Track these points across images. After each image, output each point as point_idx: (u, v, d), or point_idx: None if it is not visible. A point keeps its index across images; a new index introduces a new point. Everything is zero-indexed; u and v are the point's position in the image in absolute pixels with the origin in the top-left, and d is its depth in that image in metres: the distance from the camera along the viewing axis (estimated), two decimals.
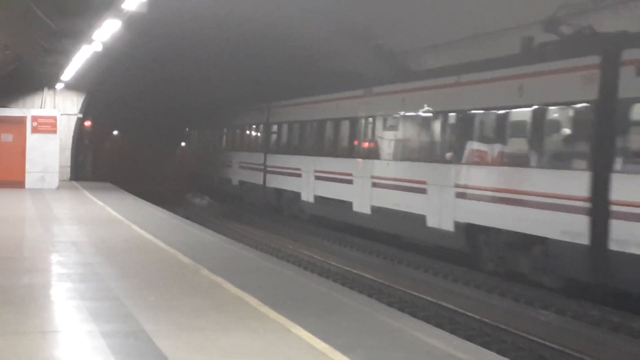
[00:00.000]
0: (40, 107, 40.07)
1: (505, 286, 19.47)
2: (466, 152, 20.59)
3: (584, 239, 16.27)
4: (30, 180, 36.21)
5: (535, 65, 18.19)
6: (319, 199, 27.89)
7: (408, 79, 24.41)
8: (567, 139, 17.59)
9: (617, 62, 15.83)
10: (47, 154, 36.25)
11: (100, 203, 30.20)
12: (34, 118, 36.40)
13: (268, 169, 35.55)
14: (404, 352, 9.70)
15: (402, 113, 23.92)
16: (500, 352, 13.20)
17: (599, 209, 15.87)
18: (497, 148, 19.50)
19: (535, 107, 17.98)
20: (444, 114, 21.71)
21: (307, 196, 30.27)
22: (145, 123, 60.97)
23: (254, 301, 12.35)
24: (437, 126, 22.18)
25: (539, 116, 17.86)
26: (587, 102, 16.53)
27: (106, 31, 20.75)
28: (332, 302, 12.93)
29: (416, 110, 23.21)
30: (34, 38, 24.42)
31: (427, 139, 22.66)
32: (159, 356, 9.05)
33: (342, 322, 11.21)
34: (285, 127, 34.18)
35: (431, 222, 21.80)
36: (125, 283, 13.80)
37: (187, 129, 58.79)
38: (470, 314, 17.04)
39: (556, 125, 17.86)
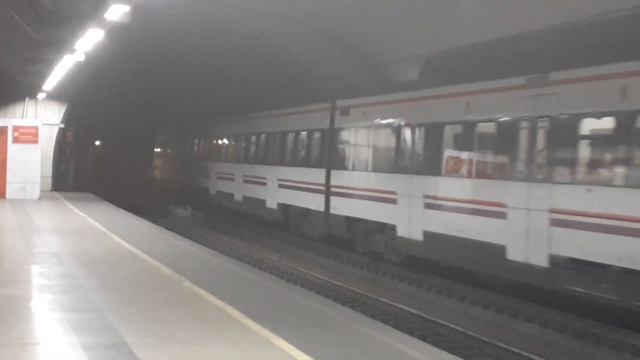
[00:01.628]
0: (22, 117, 39.94)
1: (489, 298, 19.53)
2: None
3: (322, 208, 28.13)
4: (11, 190, 36.07)
5: (306, 107, 30.74)
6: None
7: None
8: (316, 149, 29.52)
9: (334, 107, 28.00)
10: (28, 164, 36.12)
11: (82, 214, 30.11)
12: (15, 128, 36.27)
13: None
14: None
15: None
16: None
17: (328, 190, 27.79)
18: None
19: (305, 130, 30.24)
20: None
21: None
22: (127, 133, 60.94)
23: (236, 313, 12.35)
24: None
25: (309, 135, 30.16)
26: (323, 129, 28.55)
27: (89, 41, 20.72)
28: (314, 314, 12.94)
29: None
30: (16, 47, 24.41)
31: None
32: None
33: (325, 334, 11.23)
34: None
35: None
36: (106, 294, 13.77)
37: (169, 139, 58.88)
38: (453, 326, 17.09)
39: (313, 141, 29.77)
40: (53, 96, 39.58)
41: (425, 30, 23.55)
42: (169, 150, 57.93)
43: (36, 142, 36.49)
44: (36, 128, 36.67)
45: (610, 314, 16.73)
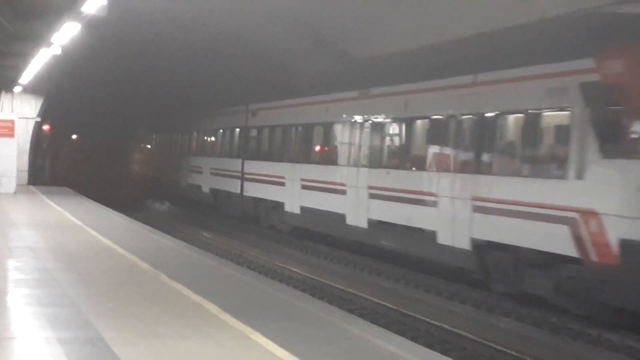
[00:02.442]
0: None
1: (466, 293, 19.60)
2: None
3: (238, 190, 34.49)
4: None
5: (231, 108, 37.70)
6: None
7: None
8: (235, 143, 36.43)
9: (247, 109, 34.87)
10: (4, 158, 35.95)
11: (59, 208, 30.00)
12: None
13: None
14: (364, 358, 9.74)
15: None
16: (460, 359, 13.30)
17: (242, 176, 34.35)
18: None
19: (230, 128, 37.25)
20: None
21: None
22: (105, 127, 60.74)
23: (213, 308, 12.34)
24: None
25: (231, 132, 37.28)
26: (241, 127, 35.65)
27: (65, 34, 20.62)
28: (292, 309, 12.95)
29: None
30: None
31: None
32: None
33: (302, 329, 11.24)
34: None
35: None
36: (83, 289, 13.72)
37: (146, 134, 58.92)
38: (431, 320, 17.13)
39: (234, 137, 36.78)
40: (29, 90, 39.37)
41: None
42: (144, 145, 58.48)
43: (12, 135, 36.34)
44: (12, 122, 36.52)
45: (586, 312, 16.82)
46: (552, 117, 17.10)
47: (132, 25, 28.12)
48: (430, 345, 13.99)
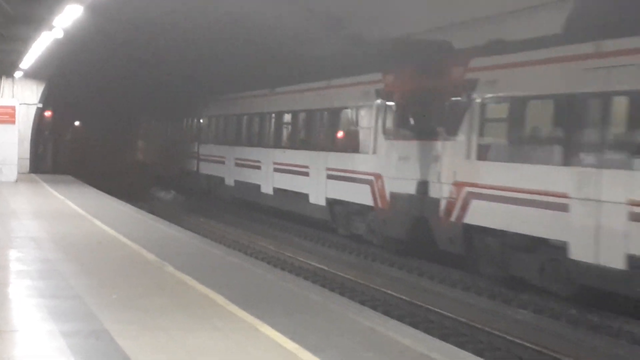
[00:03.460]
0: None
1: (482, 284, 19.58)
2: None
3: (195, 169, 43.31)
4: None
5: (195, 99, 45.62)
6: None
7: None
8: (194, 130, 45.64)
9: (203, 100, 43.74)
10: (4, 145, 35.98)
11: (61, 197, 30.06)
12: None
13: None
14: (376, 352, 9.74)
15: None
16: (476, 352, 13.28)
17: (198, 157, 42.95)
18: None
19: (191, 117, 46.21)
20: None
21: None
22: (109, 114, 60.72)
23: (220, 299, 12.36)
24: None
25: (192, 120, 46.48)
26: (198, 116, 44.61)
27: (67, 17, 20.63)
28: (302, 300, 12.96)
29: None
30: None
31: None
32: (122, 357, 9.04)
33: (313, 321, 11.25)
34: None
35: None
36: (86, 280, 13.76)
37: (152, 120, 59.08)
38: (445, 312, 17.14)
39: (194, 124, 45.98)
40: (31, 75, 39.41)
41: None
42: (148, 131, 59.01)
43: (13, 122, 36.38)
44: (13, 108, 36.56)
45: (608, 302, 16.80)
46: (365, 111, 25.32)
47: (137, 7, 28.06)
48: (444, 338, 13.99)
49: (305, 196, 28.93)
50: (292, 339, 10.00)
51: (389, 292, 19.35)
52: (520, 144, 18.27)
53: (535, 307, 17.53)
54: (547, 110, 17.68)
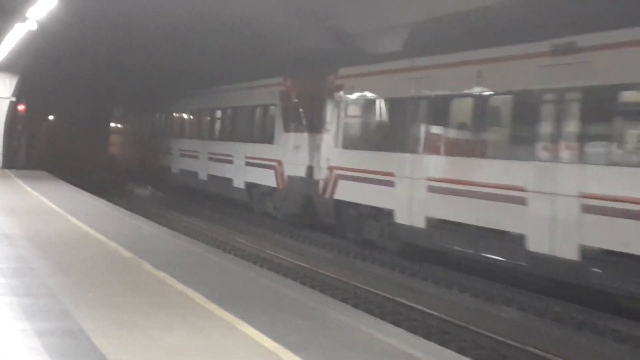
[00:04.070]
0: None
1: (465, 282, 19.63)
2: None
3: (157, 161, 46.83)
4: None
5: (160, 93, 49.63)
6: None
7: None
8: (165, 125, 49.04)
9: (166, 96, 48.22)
10: None
11: (35, 193, 29.94)
12: None
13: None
14: (358, 350, 9.74)
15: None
16: (460, 350, 13.33)
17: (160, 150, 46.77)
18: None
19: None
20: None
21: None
22: (84, 108, 60.50)
23: (199, 297, 12.34)
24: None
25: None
26: (153, 111, 50.96)
27: (41, 8, 20.53)
28: (282, 298, 12.96)
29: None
30: None
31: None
32: (98, 356, 9.00)
33: (293, 319, 11.24)
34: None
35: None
36: (61, 278, 13.70)
37: (127, 115, 59.02)
38: (428, 310, 17.17)
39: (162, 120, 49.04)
40: (3, 67, 39.21)
41: None
42: (125, 126, 59.14)
43: None
44: None
45: (592, 299, 16.88)
46: (272, 109, 30.86)
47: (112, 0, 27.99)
48: (427, 336, 14.03)
49: (230, 181, 34.56)
50: (273, 337, 9.99)
51: (371, 289, 19.37)
52: (369, 136, 23.82)
53: (520, 305, 17.58)
54: (385, 110, 23.19)
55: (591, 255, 15.68)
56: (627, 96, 15.32)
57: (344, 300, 17.53)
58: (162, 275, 14.25)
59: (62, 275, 14.07)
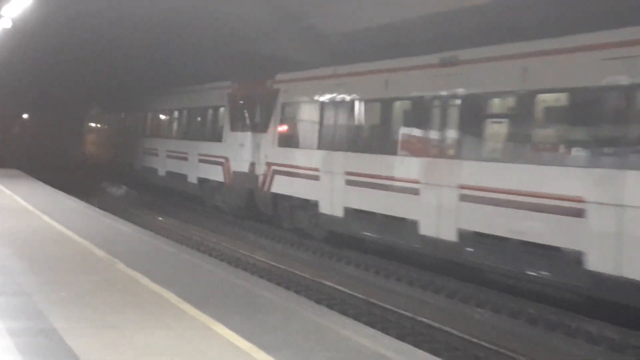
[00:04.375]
0: None
1: (439, 282, 19.67)
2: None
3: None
4: None
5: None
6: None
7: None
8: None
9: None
10: None
11: (8, 191, 29.79)
12: None
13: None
14: (332, 351, 9.76)
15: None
16: (433, 351, 13.34)
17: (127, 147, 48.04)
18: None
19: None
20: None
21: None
22: (58, 107, 60.26)
23: (172, 297, 12.32)
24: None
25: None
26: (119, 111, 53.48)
27: (16, 6, 20.43)
28: (256, 298, 12.95)
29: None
30: None
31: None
32: (71, 356, 8.98)
33: (267, 319, 11.24)
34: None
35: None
36: (34, 277, 13.65)
37: (99, 114, 58.89)
38: (402, 311, 17.19)
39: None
40: None
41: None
42: (100, 125, 58.98)
43: None
44: None
45: (566, 301, 16.97)
46: (221, 110, 33.25)
47: None
48: (401, 337, 14.04)
49: (185, 176, 36.78)
50: (247, 338, 9.99)
51: (346, 290, 19.38)
52: (299, 135, 26.38)
53: (494, 306, 17.63)
54: (311, 112, 25.37)
55: (466, 237, 18.15)
56: (494, 103, 18.11)
57: (318, 301, 17.52)
58: (135, 274, 14.22)
59: (35, 274, 14.02)
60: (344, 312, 15.92)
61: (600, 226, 14.77)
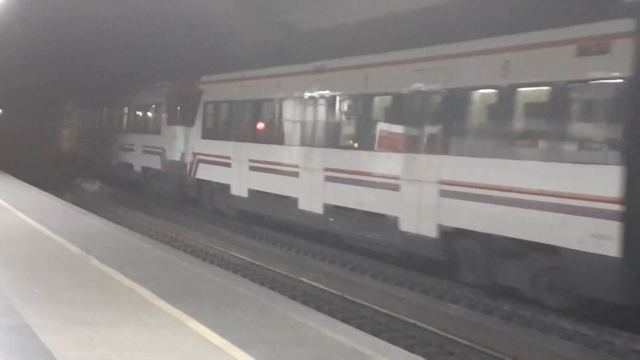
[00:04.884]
0: None
1: (415, 279, 19.72)
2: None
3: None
4: None
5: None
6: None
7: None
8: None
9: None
10: None
11: None
12: None
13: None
14: (307, 347, 9.76)
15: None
16: (408, 347, 13.38)
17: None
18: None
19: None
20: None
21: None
22: (33, 102, 59.95)
23: (147, 294, 12.29)
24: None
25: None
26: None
27: None
28: (231, 295, 12.94)
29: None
30: None
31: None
32: (44, 353, 8.94)
33: (242, 316, 11.23)
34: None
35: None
36: (7, 274, 13.57)
37: (71, 109, 58.77)
38: (377, 307, 17.21)
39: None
40: None
41: None
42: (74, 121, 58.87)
43: None
44: None
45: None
46: (161, 106, 36.78)
47: None
48: (376, 333, 14.05)
49: (131, 166, 40.43)
50: (221, 334, 9.98)
51: (321, 286, 19.39)
52: (216, 128, 31.00)
53: (469, 302, 17.69)
54: (224, 109, 30.25)
55: (328, 209, 22.98)
56: (346, 103, 22.77)
57: (293, 297, 17.52)
58: (110, 271, 14.17)
59: (8, 270, 13.94)
60: (319, 309, 15.94)
61: (408, 197, 19.53)
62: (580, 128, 15.72)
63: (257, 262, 22.61)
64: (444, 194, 18.34)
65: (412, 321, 16.12)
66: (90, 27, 33.17)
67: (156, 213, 34.34)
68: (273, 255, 24.35)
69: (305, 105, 24.25)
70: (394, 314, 16.67)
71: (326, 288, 19.18)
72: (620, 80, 14.58)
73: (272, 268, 21.76)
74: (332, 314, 15.83)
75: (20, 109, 61.78)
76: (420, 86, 19.44)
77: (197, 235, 28.00)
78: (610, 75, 14.78)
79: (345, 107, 22.87)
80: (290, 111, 25.49)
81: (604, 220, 14.56)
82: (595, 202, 14.71)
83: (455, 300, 18.01)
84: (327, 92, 23.25)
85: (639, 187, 14.43)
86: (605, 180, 14.58)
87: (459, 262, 18.47)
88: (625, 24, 14.70)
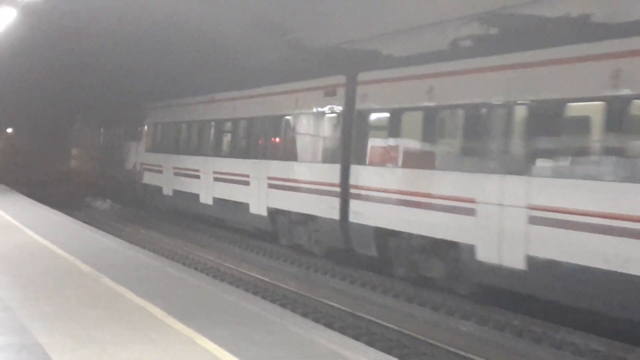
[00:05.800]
0: None
1: (425, 295, 19.66)
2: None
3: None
4: None
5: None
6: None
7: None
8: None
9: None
10: None
11: None
12: None
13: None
14: None
15: None
16: None
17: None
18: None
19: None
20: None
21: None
22: (44, 121, 60.20)
23: (158, 312, 12.27)
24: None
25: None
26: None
27: (0, 21, 20.39)
28: (242, 312, 12.91)
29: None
30: None
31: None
32: None
33: (253, 333, 11.20)
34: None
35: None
36: (18, 292, 13.58)
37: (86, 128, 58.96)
38: (388, 324, 17.16)
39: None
40: None
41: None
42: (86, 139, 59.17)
43: None
44: None
45: (550, 312, 16.98)
46: (122, 126, 45.45)
47: (72, 12, 27.86)
48: (387, 350, 14.02)
49: (114, 177, 46.03)
50: (231, 352, 9.95)
51: (331, 303, 19.34)
52: (151, 143, 39.15)
53: (479, 319, 17.63)
54: (159, 129, 38.86)
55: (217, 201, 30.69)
56: (229, 125, 30.52)
57: (304, 314, 17.48)
58: (120, 289, 14.16)
59: (19, 289, 13.95)
60: (329, 326, 15.89)
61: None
62: (324, 140, 23.98)
63: (268, 280, 22.59)
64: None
65: (423, 337, 16.07)
66: (102, 46, 33.32)
67: (166, 231, 34.35)
68: (284, 273, 24.32)
69: (209, 126, 32.54)
70: (405, 331, 16.61)
71: (337, 305, 19.15)
72: (340, 110, 22.87)
73: (283, 285, 21.74)
74: (343, 330, 15.79)
75: (31, 127, 62.02)
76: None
77: (207, 253, 27.98)
78: (336, 109, 23.12)
79: (232, 129, 30.52)
80: (200, 131, 33.41)
81: (333, 197, 22.80)
82: (331, 187, 22.98)
83: (466, 316, 17.95)
84: (214, 117, 31.84)
85: (346, 177, 22.21)
86: (334, 173, 22.88)
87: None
88: (341, 78, 22.94)
